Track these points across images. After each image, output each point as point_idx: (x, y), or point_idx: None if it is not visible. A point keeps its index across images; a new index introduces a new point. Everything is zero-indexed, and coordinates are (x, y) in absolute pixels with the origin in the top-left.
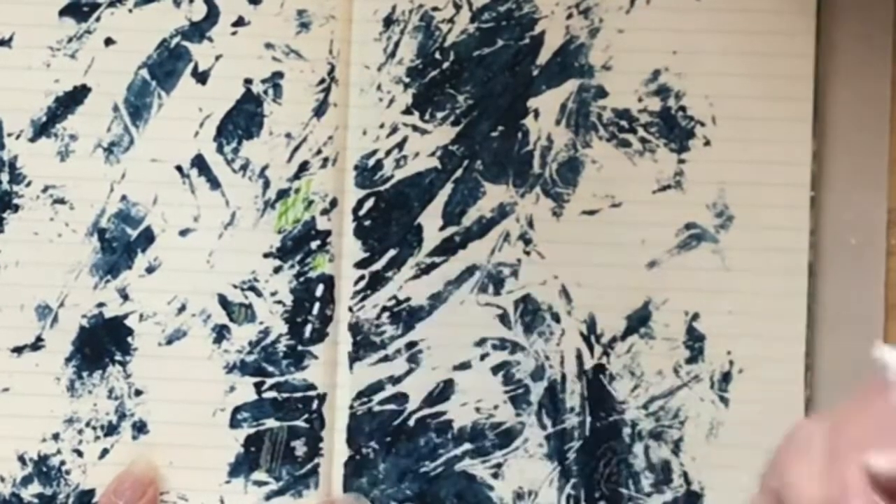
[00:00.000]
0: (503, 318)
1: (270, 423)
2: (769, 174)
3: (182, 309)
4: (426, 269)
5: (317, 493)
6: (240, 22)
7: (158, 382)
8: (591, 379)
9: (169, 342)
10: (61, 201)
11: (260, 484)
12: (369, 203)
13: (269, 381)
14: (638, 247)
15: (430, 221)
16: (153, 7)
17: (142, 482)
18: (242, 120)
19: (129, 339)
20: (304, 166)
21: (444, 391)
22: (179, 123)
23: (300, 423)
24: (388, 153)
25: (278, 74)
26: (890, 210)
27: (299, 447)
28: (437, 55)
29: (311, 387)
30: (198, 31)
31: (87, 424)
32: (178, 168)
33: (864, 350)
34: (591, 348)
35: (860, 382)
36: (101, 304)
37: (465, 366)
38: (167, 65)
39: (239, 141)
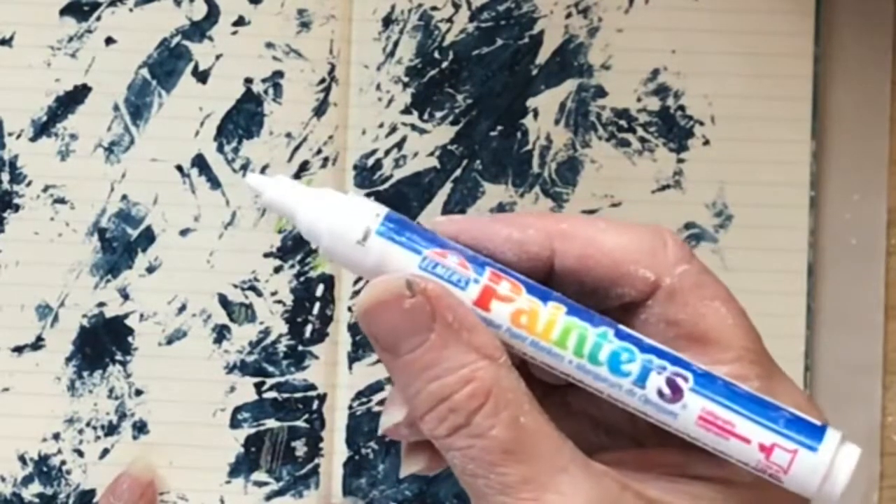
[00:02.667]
0: None
1: (271, 423)
2: (768, 174)
3: (182, 309)
4: None
5: (317, 494)
6: (240, 21)
7: (159, 382)
8: None
9: (169, 342)
10: (62, 201)
11: (260, 484)
12: None
13: (270, 382)
14: None
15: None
16: (154, 6)
17: (140, 483)
18: (243, 119)
19: (130, 338)
20: (304, 166)
21: None
22: (180, 123)
23: (300, 423)
24: (387, 153)
25: (279, 74)
26: (890, 210)
27: (299, 447)
28: (437, 55)
29: (312, 387)
30: (198, 30)
31: (88, 424)
32: (179, 168)
33: (865, 350)
34: None
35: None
36: (101, 304)
37: None
38: (167, 64)
39: (239, 140)
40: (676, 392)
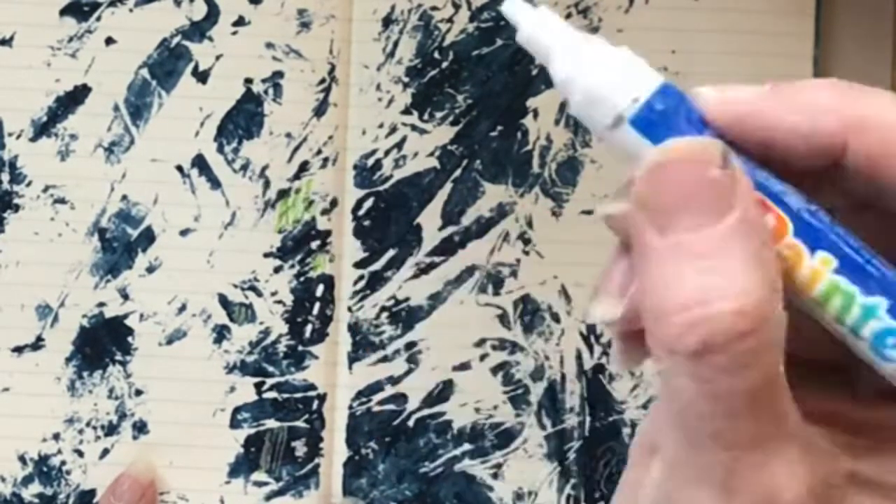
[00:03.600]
0: (503, 318)
1: (270, 423)
2: None
3: (182, 309)
4: (425, 269)
5: (317, 494)
6: (240, 21)
7: (159, 382)
8: (590, 379)
9: (169, 342)
10: (62, 201)
11: (260, 484)
12: (369, 203)
13: (270, 382)
14: None
15: (430, 221)
16: (154, 6)
17: (140, 483)
18: (243, 120)
19: (130, 338)
20: (304, 166)
21: (443, 391)
22: (180, 123)
23: (300, 423)
24: (387, 153)
25: (279, 74)
26: None
27: (299, 447)
28: (437, 55)
29: (312, 387)
30: (198, 30)
31: (88, 424)
32: (179, 168)
33: None
34: (590, 348)
35: None
36: (101, 304)
37: (464, 366)
38: (167, 64)
39: (239, 141)
40: None
